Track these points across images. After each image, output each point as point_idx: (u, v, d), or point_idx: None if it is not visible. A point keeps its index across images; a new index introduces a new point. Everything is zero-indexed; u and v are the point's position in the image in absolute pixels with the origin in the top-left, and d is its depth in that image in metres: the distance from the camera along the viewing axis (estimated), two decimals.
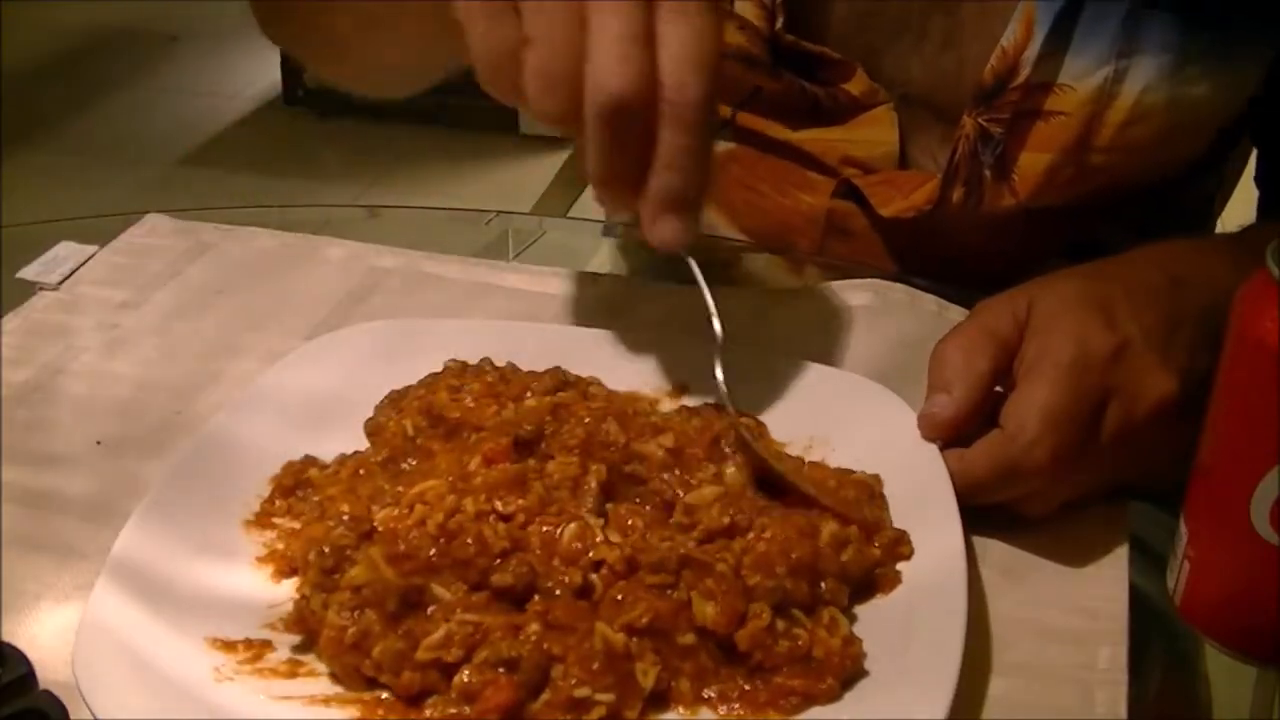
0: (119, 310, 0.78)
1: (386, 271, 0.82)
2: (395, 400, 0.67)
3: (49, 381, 0.72)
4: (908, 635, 0.55)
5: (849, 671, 0.53)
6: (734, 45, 0.79)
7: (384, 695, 0.53)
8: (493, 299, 0.79)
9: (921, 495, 0.60)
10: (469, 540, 0.55)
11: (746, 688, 0.53)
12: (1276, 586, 0.54)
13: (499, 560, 0.55)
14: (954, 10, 0.78)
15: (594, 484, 0.58)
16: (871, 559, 0.58)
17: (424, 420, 0.64)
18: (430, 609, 0.54)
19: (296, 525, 0.61)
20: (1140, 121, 0.76)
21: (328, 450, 0.65)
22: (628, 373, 0.69)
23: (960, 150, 0.79)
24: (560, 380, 0.66)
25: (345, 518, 0.58)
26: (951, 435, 0.62)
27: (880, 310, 0.77)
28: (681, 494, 0.60)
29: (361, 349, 0.71)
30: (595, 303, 0.78)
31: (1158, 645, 0.60)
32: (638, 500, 0.59)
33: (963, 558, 0.56)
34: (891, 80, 0.80)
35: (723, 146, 0.87)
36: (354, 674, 0.53)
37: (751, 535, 0.56)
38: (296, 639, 0.55)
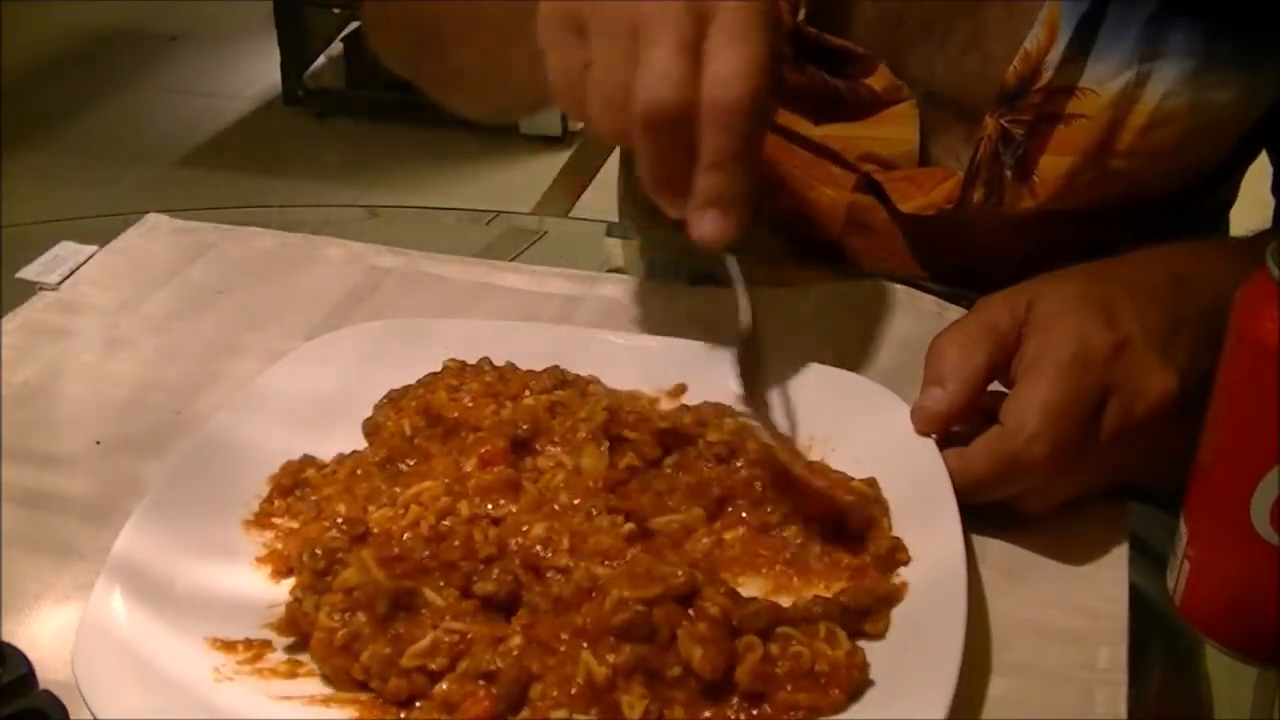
0: (119, 310, 0.78)
1: (386, 271, 0.82)
2: (394, 400, 0.67)
3: (49, 381, 0.72)
4: (907, 635, 0.55)
5: (855, 682, 0.52)
6: None
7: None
8: (493, 299, 0.79)
9: (921, 495, 0.60)
10: (456, 543, 0.55)
11: (743, 717, 0.51)
12: (1276, 586, 0.54)
13: (483, 566, 0.55)
14: (979, 11, 0.78)
15: (598, 421, 0.60)
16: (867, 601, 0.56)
17: (422, 420, 0.64)
18: (422, 612, 0.54)
19: (295, 525, 0.61)
20: (1162, 126, 0.76)
21: (327, 450, 0.65)
22: (628, 373, 0.69)
23: (982, 151, 0.79)
24: (559, 379, 0.67)
25: (339, 519, 0.58)
26: (944, 429, 0.62)
27: (880, 310, 0.77)
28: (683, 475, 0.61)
29: (361, 349, 0.71)
30: (596, 303, 0.79)
31: (1158, 645, 0.60)
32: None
33: (962, 558, 0.56)
34: (915, 79, 0.80)
35: None
36: (344, 676, 0.53)
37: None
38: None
